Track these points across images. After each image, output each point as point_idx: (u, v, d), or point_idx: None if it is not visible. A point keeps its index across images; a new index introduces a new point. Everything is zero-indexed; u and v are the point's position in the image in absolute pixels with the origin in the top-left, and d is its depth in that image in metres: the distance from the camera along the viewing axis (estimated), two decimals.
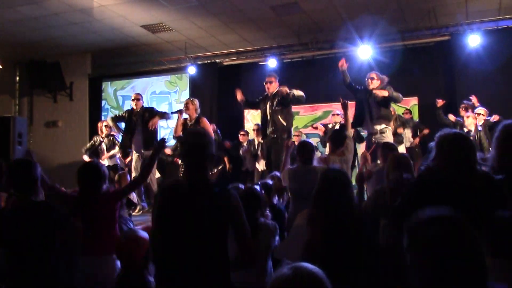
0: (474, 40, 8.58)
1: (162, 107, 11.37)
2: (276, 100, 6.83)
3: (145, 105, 8.44)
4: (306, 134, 9.47)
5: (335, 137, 5.09)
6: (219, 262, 2.50)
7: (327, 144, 5.32)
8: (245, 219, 2.60)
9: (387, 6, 8.30)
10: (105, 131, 9.15)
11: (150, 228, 3.12)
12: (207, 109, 10.10)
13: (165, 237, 2.50)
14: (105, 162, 8.96)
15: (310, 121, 9.70)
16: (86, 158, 8.94)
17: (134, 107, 8.03)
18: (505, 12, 8.71)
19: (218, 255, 2.50)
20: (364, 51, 9.16)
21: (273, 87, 6.96)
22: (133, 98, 8.16)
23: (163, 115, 7.96)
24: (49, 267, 3.03)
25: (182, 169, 6.52)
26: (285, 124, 6.75)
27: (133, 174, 7.76)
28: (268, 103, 6.92)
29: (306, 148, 4.62)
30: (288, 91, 6.70)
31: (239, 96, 7.28)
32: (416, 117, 9.34)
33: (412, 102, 9.46)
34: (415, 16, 8.84)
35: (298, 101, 6.87)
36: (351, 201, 2.98)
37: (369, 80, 6.85)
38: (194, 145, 2.62)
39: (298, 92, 6.81)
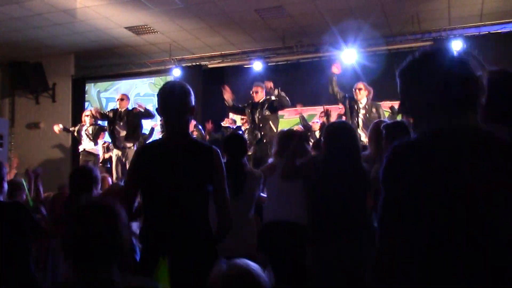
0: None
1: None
2: (266, 106, 6.88)
3: (129, 107, 8.40)
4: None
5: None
6: (201, 222, 2.40)
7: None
8: (226, 185, 2.51)
9: (371, 11, 8.37)
10: (88, 120, 9.05)
11: None
12: None
13: (144, 193, 2.42)
14: (85, 144, 8.93)
15: (294, 124, 9.70)
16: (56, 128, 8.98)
17: (119, 107, 7.99)
18: (487, 18, 8.83)
19: (199, 216, 2.40)
20: (349, 55, 9.21)
21: (259, 96, 6.99)
22: (118, 98, 8.13)
23: (147, 114, 7.95)
24: (20, 267, 2.98)
25: None
26: (275, 130, 6.81)
27: (114, 175, 7.72)
28: (258, 110, 6.94)
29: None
30: (273, 87, 6.79)
31: (228, 95, 7.22)
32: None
33: (396, 106, 9.51)
34: (399, 21, 8.92)
35: (282, 104, 6.90)
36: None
37: (357, 91, 6.91)
38: (171, 97, 2.51)
39: (282, 93, 6.89)
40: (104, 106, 11.80)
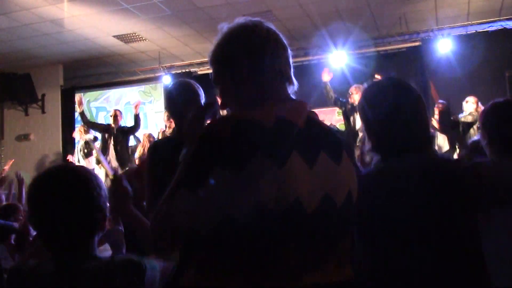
0: (444, 46, 8.74)
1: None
2: None
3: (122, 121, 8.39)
4: None
5: None
6: None
7: None
8: None
9: (359, 13, 8.40)
10: (78, 135, 9.00)
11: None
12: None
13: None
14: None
15: None
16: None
17: (112, 124, 7.91)
18: (474, 18, 8.89)
19: None
20: (338, 58, 9.24)
21: None
22: (111, 114, 8.02)
23: (134, 128, 7.89)
24: None
25: None
26: None
27: None
28: None
29: None
30: None
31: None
32: None
33: None
34: (387, 22, 8.96)
35: None
36: None
37: (351, 95, 6.91)
38: (178, 95, 2.55)
39: None
40: (94, 116, 11.73)
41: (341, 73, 9.14)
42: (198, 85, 2.60)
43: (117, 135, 7.93)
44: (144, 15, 8.32)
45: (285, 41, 1.53)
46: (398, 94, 1.69)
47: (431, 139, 1.78)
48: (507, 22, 8.78)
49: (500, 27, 8.82)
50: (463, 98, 7.96)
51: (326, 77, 7.20)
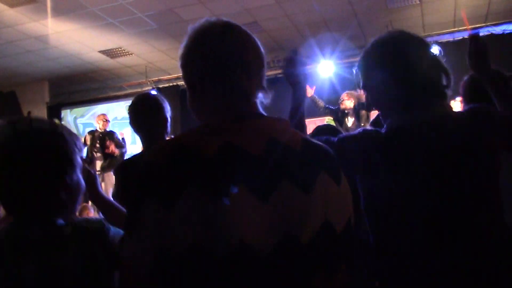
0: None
1: (125, 133, 11.13)
2: None
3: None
4: None
5: None
6: None
7: None
8: None
9: (346, 23, 8.38)
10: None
11: None
12: (171, 132, 9.90)
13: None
14: None
15: None
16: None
17: (100, 128, 7.76)
18: (460, 24, 8.91)
19: None
20: (326, 68, 9.20)
21: None
22: (101, 118, 7.87)
23: (120, 145, 7.76)
24: None
25: None
26: None
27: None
28: None
29: None
30: None
31: None
32: None
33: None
34: (374, 31, 8.94)
35: None
36: None
37: (342, 102, 6.92)
38: (143, 110, 2.44)
39: None
40: (81, 133, 11.57)
41: (329, 82, 9.11)
42: (162, 97, 2.51)
43: (103, 138, 7.78)
44: (130, 29, 8.23)
45: (260, 47, 1.32)
46: (407, 45, 1.59)
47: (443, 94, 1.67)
48: (494, 27, 8.81)
49: (487, 33, 8.83)
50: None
51: (309, 92, 7.18)
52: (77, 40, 8.59)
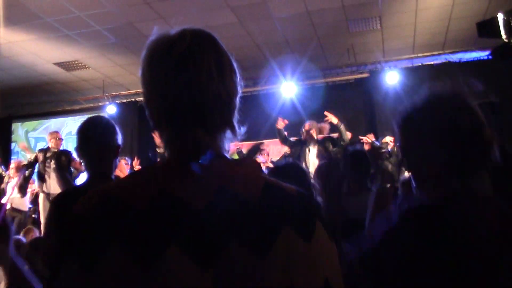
0: (391, 77, 8.84)
1: None
2: None
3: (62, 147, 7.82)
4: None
5: None
6: None
7: None
8: None
9: (308, 44, 8.39)
10: (12, 174, 8.39)
11: None
12: (127, 150, 9.61)
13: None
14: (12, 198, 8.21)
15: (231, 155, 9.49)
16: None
17: (52, 146, 7.37)
18: (419, 50, 9.08)
19: None
20: (287, 89, 9.18)
21: None
22: (54, 136, 7.47)
23: (79, 168, 7.41)
24: None
25: None
26: None
27: (42, 220, 7.12)
28: None
29: None
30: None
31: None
32: None
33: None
34: (335, 54, 9.01)
35: None
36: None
37: (303, 131, 6.85)
38: (93, 134, 2.24)
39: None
40: (32, 147, 11.11)
41: (291, 104, 9.09)
42: (112, 122, 2.31)
43: (59, 158, 7.40)
44: (87, 42, 7.97)
45: (230, 58, 1.08)
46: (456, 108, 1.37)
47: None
48: (451, 55, 9.01)
49: (444, 60, 9.03)
50: None
51: (280, 124, 7.12)
52: (31, 51, 8.26)
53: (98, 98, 10.51)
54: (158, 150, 6.85)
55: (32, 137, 11.24)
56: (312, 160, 6.68)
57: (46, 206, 7.29)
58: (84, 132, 2.23)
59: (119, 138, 2.25)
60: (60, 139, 7.54)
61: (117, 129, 2.26)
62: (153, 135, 7.00)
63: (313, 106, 8.67)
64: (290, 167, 2.76)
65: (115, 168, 2.29)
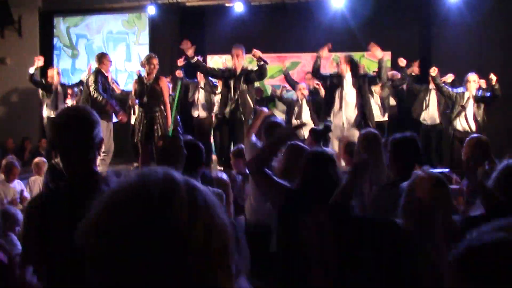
0: None
1: (119, 48, 10.62)
2: (243, 78, 6.41)
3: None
4: (273, 86, 8.98)
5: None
6: None
7: None
8: None
9: None
10: (56, 78, 8.38)
11: None
12: (168, 54, 9.38)
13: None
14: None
15: (276, 71, 9.16)
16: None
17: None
18: None
19: None
20: (338, 0, 8.57)
21: (239, 62, 6.48)
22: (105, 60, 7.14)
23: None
24: None
25: None
26: (252, 105, 6.48)
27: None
28: (236, 82, 6.47)
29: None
30: (259, 56, 6.33)
31: (189, 49, 6.58)
32: None
33: (385, 57, 8.83)
34: None
35: (261, 75, 6.57)
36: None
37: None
38: (69, 129, 1.91)
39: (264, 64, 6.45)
40: (74, 43, 11.03)
41: (340, 15, 8.60)
42: (94, 113, 1.99)
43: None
44: None
45: None
46: None
47: None
48: None
49: None
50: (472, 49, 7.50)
51: (325, 52, 6.63)
52: None
53: None
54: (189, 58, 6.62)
55: (73, 33, 11.08)
56: (349, 100, 6.28)
57: None
58: (59, 127, 1.95)
59: (100, 132, 1.94)
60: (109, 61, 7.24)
61: (98, 122, 1.95)
62: (183, 47, 6.72)
63: (363, 18, 8.22)
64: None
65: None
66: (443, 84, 6.70)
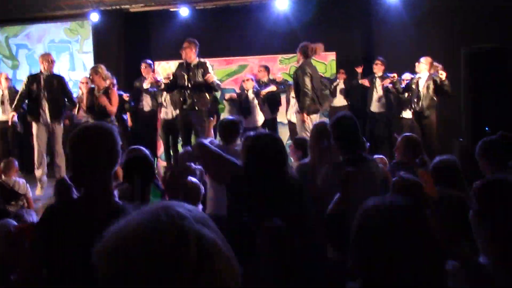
0: None
1: (63, 58, 10.35)
2: (200, 73, 6.44)
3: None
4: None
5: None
6: None
7: None
8: None
9: None
10: (4, 83, 8.18)
11: None
12: (113, 62, 9.22)
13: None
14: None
15: (225, 75, 9.18)
16: None
17: (44, 69, 6.91)
18: None
19: None
20: (281, 2, 8.69)
21: (191, 56, 6.49)
22: (47, 59, 7.00)
23: (71, 99, 7.13)
24: None
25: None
26: (208, 97, 6.60)
27: (36, 147, 6.89)
28: (189, 74, 6.46)
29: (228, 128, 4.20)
30: (212, 80, 6.44)
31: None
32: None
33: (330, 57, 9.06)
34: None
35: (214, 89, 6.72)
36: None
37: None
38: (84, 146, 1.84)
39: (217, 81, 6.66)
40: (14, 54, 10.68)
41: (283, 18, 8.75)
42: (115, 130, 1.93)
43: (51, 81, 7.06)
44: None
45: None
46: None
47: None
48: None
49: None
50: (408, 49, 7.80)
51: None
52: None
53: (81, 4, 9.91)
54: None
55: (13, 43, 10.74)
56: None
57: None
58: (75, 142, 1.89)
59: (119, 146, 1.89)
60: (53, 62, 7.09)
61: (116, 134, 1.90)
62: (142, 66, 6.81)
63: (307, 20, 8.38)
64: None
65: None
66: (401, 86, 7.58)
